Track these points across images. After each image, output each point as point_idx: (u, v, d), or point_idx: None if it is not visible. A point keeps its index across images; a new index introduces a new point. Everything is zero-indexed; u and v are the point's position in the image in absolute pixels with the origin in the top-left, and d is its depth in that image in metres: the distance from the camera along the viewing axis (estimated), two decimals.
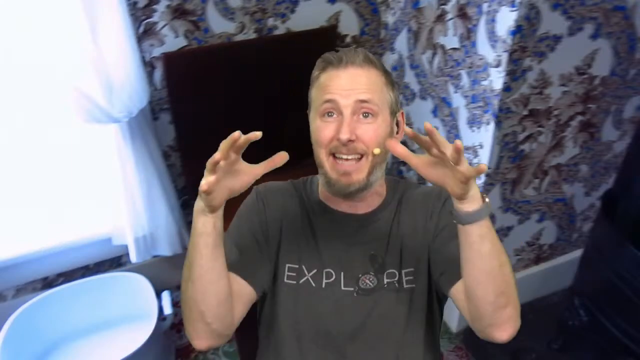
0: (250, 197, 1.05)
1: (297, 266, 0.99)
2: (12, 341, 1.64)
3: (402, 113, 1.01)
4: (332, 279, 0.99)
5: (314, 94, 0.97)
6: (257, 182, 1.06)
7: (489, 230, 0.81)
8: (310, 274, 0.99)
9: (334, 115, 0.92)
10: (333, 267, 0.99)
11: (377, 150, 0.92)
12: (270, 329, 1.02)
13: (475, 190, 0.79)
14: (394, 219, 1.02)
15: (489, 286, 0.83)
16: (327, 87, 0.93)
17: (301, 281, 0.99)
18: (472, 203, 0.79)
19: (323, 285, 0.98)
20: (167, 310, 1.77)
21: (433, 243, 0.99)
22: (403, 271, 0.99)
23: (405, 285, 0.99)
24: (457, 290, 0.91)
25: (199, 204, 0.82)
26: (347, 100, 0.90)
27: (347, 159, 0.92)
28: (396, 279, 0.99)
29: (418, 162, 0.79)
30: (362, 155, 0.92)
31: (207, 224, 0.82)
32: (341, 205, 1.01)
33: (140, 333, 1.60)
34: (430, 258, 0.99)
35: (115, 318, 1.86)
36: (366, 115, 0.92)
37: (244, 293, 0.94)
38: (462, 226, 0.81)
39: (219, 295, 0.87)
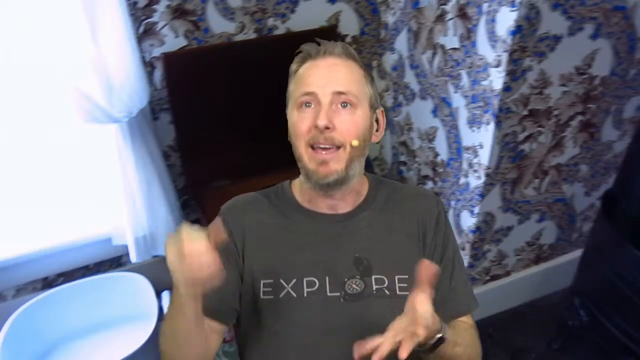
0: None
1: (271, 280, 0.96)
2: (12, 341, 1.63)
3: (382, 110, 1.00)
4: (316, 287, 0.95)
5: (292, 88, 0.96)
6: (226, 198, 1.04)
7: (452, 336, 0.84)
8: (290, 285, 0.96)
9: (312, 106, 0.91)
10: (315, 274, 0.96)
11: (355, 142, 0.91)
12: (253, 342, 0.99)
13: (434, 320, 0.78)
14: (382, 219, 1.00)
15: None
16: (305, 79, 0.92)
17: (281, 295, 0.95)
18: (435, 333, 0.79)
19: (305, 294, 0.95)
20: None
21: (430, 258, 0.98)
22: (396, 277, 0.97)
23: (398, 292, 0.96)
24: None
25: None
26: (325, 91, 0.90)
27: (324, 149, 0.90)
28: (385, 285, 0.96)
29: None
30: (339, 147, 0.91)
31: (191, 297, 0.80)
32: (320, 206, 0.99)
33: (140, 333, 1.60)
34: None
35: (115, 318, 1.86)
36: (345, 105, 0.91)
37: (218, 330, 0.94)
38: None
39: (203, 354, 0.88)
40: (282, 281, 0.96)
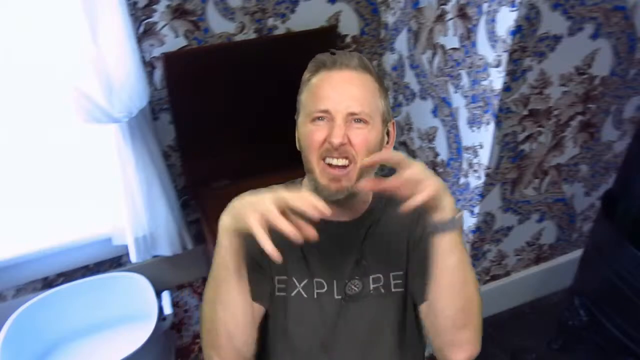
0: None
1: (285, 277, 0.98)
2: (12, 341, 1.64)
3: (394, 123, 1.00)
4: (325, 289, 0.98)
5: (305, 98, 0.95)
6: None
7: (457, 244, 0.84)
8: (301, 284, 0.98)
9: (325, 120, 0.91)
10: (324, 277, 0.98)
11: (366, 161, 0.90)
12: (263, 339, 1.00)
13: (447, 201, 0.81)
14: (383, 222, 1.00)
15: (449, 300, 0.85)
16: (319, 93, 0.92)
17: (293, 293, 0.97)
18: (443, 213, 0.81)
19: (315, 296, 0.97)
20: (167, 310, 1.77)
21: (413, 252, 0.98)
22: (391, 274, 0.98)
23: (393, 289, 0.98)
24: (425, 306, 0.93)
25: (228, 221, 0.82)
26: (339, 107, 0.89)
27: (337, 165, 0.90)
28: (381, 283, 0.98)
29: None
30: (350, 162, 0.91)
31: (235, 242, 0.82)
32: None
33: (140, 333, 1.60)
34: (408, 267, 0.99)
35: (115, 318, 1.87)
36: (358, 120, 0.91)
37: (257, 314, 0.94)
38: (432, 237, 0.84)
39: (248, 316, 0.87)
40: (294, 279, 0.98)
